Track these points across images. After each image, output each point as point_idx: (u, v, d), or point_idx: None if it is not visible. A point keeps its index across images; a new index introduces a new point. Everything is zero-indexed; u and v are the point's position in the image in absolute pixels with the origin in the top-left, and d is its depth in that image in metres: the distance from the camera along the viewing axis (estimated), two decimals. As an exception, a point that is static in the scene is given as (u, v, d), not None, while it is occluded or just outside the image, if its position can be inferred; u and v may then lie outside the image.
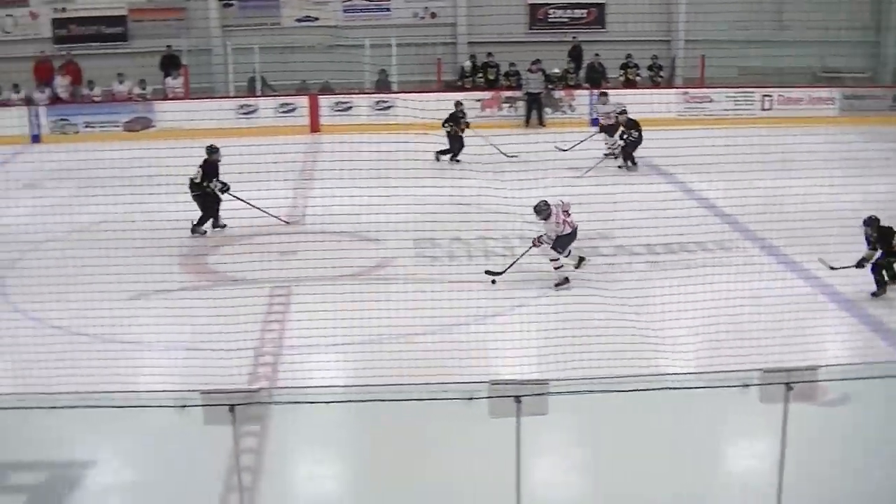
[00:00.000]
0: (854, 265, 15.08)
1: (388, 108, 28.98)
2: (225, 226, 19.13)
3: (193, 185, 18.69)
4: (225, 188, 18.72)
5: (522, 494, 8.35)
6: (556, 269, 16.14)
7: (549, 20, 33.36)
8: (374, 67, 31.06)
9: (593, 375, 11.11)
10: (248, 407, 7.49)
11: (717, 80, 31.03)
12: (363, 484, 10.47)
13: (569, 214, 16.16)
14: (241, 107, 30.00)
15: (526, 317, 14.03)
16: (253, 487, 10.00)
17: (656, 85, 31.65)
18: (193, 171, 18.37)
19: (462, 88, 31.00)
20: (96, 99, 30.58)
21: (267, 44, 31.19)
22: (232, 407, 7.31)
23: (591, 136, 24.63)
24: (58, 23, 32.20)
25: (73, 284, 14.00)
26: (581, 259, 16.32)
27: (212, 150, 18.98)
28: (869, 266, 15.12)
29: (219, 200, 18.95)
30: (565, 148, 23.00)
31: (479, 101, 30.09)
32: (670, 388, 9.76)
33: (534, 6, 33.34)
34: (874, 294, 15.09)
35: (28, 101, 30.36)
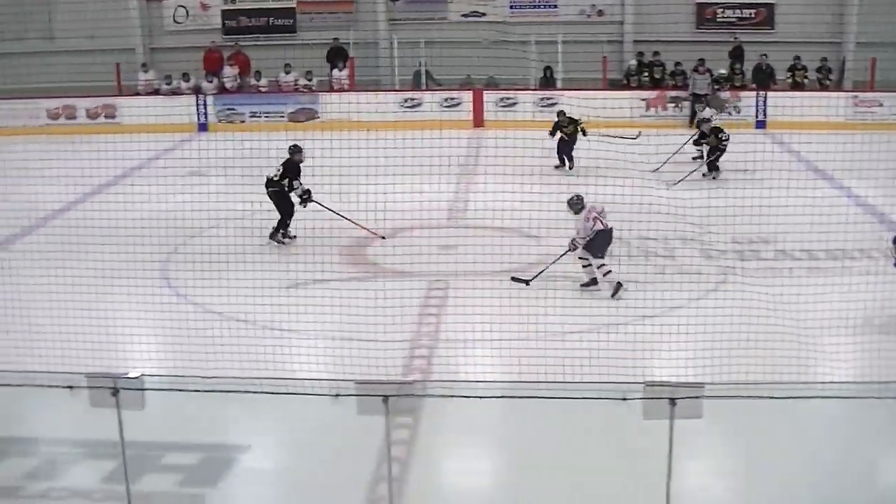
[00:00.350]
0: None
1: (553, 104, 28.71)
2: (295, 237, 18.19)
3: (270, 182, 17.94)
4: (306, 196, 17.99)
5: (672, 498, 8.08)
6: (604, 275, 15.28)
7: (718, 20, 32.67)
8: (539, 64, 30.90)
9: (750, 381, 10.79)
10: (401, 398, 7.39)
11: (889, 83, 29.92)
12: (512, 480, 10.32)
13: (603, 215, 15.44)
14: (406, 100, 30.16)
15: (683, 318, 13.67)
16: (401, 478, 9.94)
17: (824, 88, 30.67)
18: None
19: (627, 87, 30.66)
20: (263, 89, 31.08)
21: (433, 38, 31.30)
22: (386, 398, 7.22)
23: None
24: (227, 14, 32.85)
25: (234, 271, 14.15)
26: (618, 286, 15.19)
27: (294, 150, 18.05)
28: None
29: (293, 206, 18.13)
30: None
31: (643, 100, 29.70)
32: (829, 398, 9.39)
33: (701, 5, 32.71)
34: None
35: (196, 90, 31.03)
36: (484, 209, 16.96)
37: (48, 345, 12.02)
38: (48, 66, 30.89)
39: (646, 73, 31.00)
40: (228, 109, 30.71)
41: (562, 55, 30.75)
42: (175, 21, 33.22)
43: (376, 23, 32.30)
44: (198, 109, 30.50)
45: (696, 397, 7.60)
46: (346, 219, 17.88)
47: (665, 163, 22.14)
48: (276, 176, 17.89)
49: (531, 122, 26.92)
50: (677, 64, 30.52)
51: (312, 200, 17.96)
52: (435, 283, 15.53)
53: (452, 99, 30.13)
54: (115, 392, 6.60)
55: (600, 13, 32.76)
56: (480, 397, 8.87)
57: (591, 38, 31.76)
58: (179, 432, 11.18)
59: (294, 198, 17.98)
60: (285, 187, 17.88)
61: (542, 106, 29.29)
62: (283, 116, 30.07)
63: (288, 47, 31.99)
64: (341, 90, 30.60)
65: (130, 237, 15.48)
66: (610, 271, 15.31)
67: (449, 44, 30.76)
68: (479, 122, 29.74)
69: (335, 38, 31.69)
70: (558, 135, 23.84)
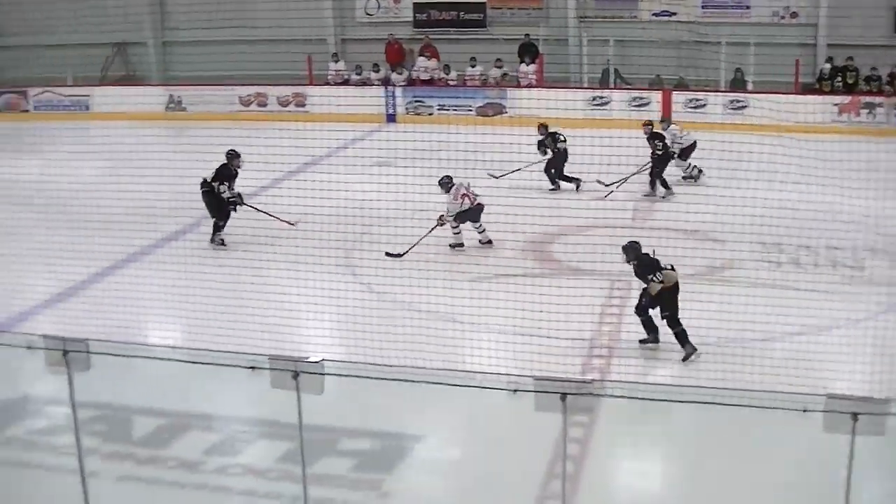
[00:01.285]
0: None
1: (743, 107, 28.12)
2: (222, 241, 18.11)
3: (204, 184, 18.18)
4: (235, 199, 18.14)
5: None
6: (482, 238, 17.66)
7: (917, 23, 31.38)
8: (729, 66, 30.27)
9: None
10: (579, 397, 7.29)
11: None
12: (685, 486, 10.21)
13: (470, 191, 17.57)
14: (594, 98, 29.93)
15: (868, 331, 13.20)
16: (575, 476, 9.86)
17: None
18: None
19: (819, 91, 29.74)
20: (451, 83, 31.24)
21: (622, 36, 30.99)
22: (563, 396, 7.13)
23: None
24: (418, 7, 33.08)
25: (417, 262, 14.23)
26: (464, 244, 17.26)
27: (232, 156, 18.30)
28: None
29: (226, 208, 18.18)
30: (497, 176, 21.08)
31: (836, 105, 28.78)
32: None
33: (899, 8, 31.48)
34: None
35: (386, 82, 31.39)
36: (668, 210, 16.71)
37: (234, 326, 12.30)
38: (243, 54, 31.73)
39: (839, 78, 30.05)
40: (417, 101, 30.99)
41: (753, 57, 30.05)
42: (367, 13, 33.65)
43: (566, 20, 32.11)
44: (386, 101, 30.85)
45: (881, 414, 7.30)
46: (270, 214, 18.02)
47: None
48: (209, 178, 18.14)
49: (720, 125, 26.39)
50: (872, 69, 29.50)
51: (243, 204, 18.19)
52: (617, 283, 15.34)
53: (641, 98, 29.76)
54: (296, 375, 6.67)
55: (794, 15, 31.84)
56: (658, 400, 8.73)
57: (784, 40, 30.97)
58: (356, 418, 11.33)
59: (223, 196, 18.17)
60: (216, 189, 18.07)
61: (732, 109, 28.66)
62: (470, 110, 30.18)
63: (478, 42, 32.09)
64: (529, 86, 30.54)
65: (317, 223, 15.70)
66: (485, 230, 17.66)
67: (638, 42, 30.43)
68: (667, 122, 29.30)
69: (526, 35, 31.65)
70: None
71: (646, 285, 13.00)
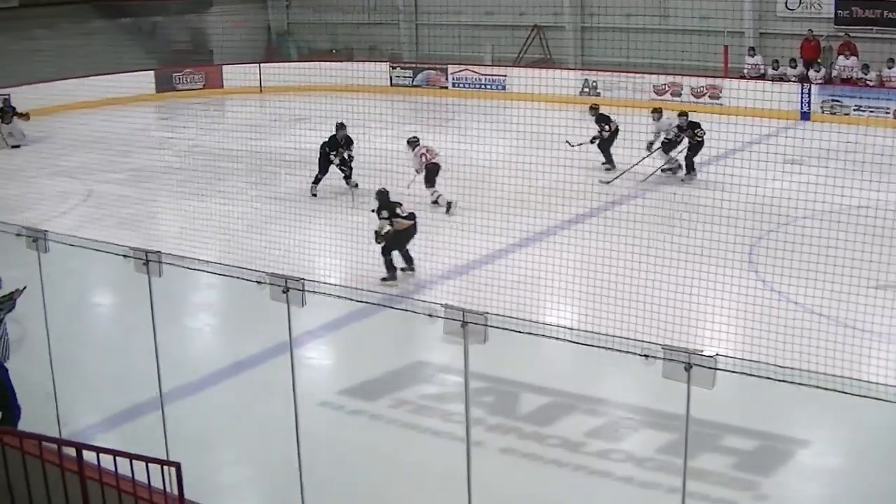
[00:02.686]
0: None
1: None
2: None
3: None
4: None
5: None
6: (435, 199, 19.93)
7: None
8: None
9: None
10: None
11: None
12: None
13: (431, 152, 20.35)
14: None
15: None
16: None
17: None
18: None
19: None
20: (869, 83, 29.95)
21: None
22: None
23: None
24: (841, 3, 31.82)
25: (821, 264, 13.82)
26: (449, 204, 19.48)
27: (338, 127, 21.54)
28: None
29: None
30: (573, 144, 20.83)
31: None
32: None
33: None
34: None
35: (802, 79, 30.54)
36: None
37: (629, 312, 12.42)
38: (658, 42, 31.69)
39: None
40: (833, 100, 29.92)
41: None
42: (787, 7, 32.78)
43: None
44: (801, 98, 30.00)
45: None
46: None
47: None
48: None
49: None
50: None
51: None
52: None
53: None
54: (689, 367, 6.69)
55: None
56: None
57: None
58: (742, 417, 11.21)
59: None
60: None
61: None
62: (887, 113, 28.82)
63: (896, 42, 30.57)
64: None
65: (722, 217, 15.56)
66: (441, 195, 19.76)
67: None
68: None
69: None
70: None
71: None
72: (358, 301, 9.53)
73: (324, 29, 40.17)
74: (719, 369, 6.65)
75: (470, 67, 35.82)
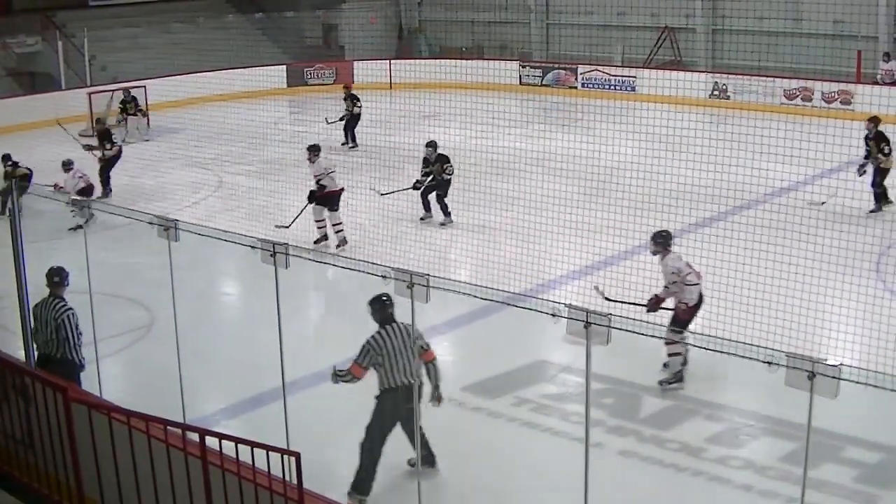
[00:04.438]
0: None
1: None
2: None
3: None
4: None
5: None
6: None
7: None
8: None
9: None
10: None
11: None
12: None
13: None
14: None
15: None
16: None
17: None
18: None
19: None
20: None
21: None
22: None
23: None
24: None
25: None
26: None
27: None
28: None
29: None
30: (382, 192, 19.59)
31: None
32: None
33: None
34: None
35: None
36: None
37: (752, 317, 12.28)
38: (790, 46, 31.20)
39: None
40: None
41: None
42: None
43: None
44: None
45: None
46: None
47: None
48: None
49: None
50: None
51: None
52: None
53: None
54: (812, 376, 6.60)
55: None
56: None
57: None
58: (865, 428, 11.02)
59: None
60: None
61: None
62: None
63: None
64: None
65: (850, 225, 15.31)
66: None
67: None
68: None
69: None
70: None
71: None
72: (482, 298, 9.58)
73: (455, 27, 40.37)
74: (843, 379, 6.55)
75: (599, 68, 35.67)
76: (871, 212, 18.92)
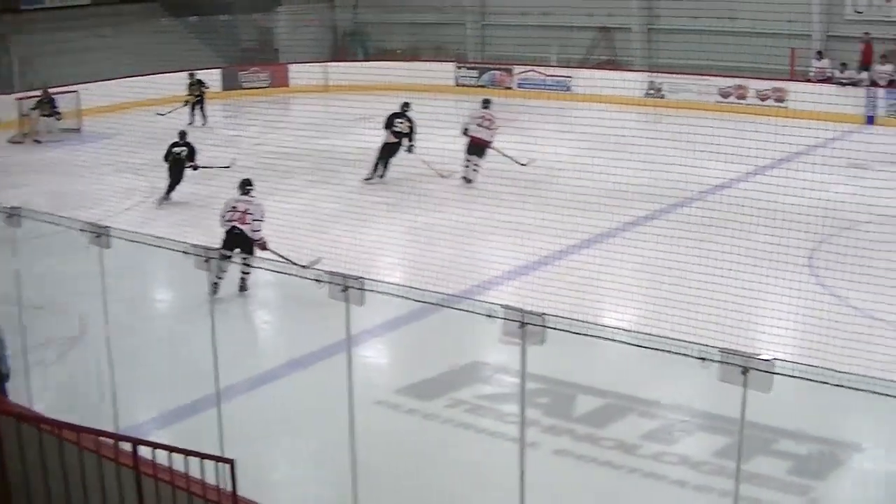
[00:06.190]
0: None
1: None
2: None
3: None
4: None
5: None
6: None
7: None
8: None
9: None
10: None
11: None
12: None
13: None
14: None
15: None
16: None
17: None
18: None
19: None
20: (941, 87, 29.57)
21: None
22: None
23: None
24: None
25: (882, 269, 13.69)
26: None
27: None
28: None
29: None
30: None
31: None
32: None
33: None
34: None
35: (872, 83, 30.21)
36: None
37: (687, 314, 12.36)
38: (725, 45, 31.49)
39: None
40: (898, 104, 29.61)
41: None
42: (856, 11, 32.41)
43: None
44: (868, 101, 29.68)
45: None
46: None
47: None
48: None
49: None
50: None
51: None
52: None
53: None
54: (745, 371, 6.64)
55: None
56: None
57: None
58: (798, 421, 11.14)
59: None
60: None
61: None
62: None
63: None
64: None
65: (783, 221, 15.44)
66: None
67: None
68: None
69: None
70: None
71: None
72: (417, 300, 9.57)
73: (391, 29, 40.34)
74: (776, 373, 6.61)
75: (535, 68, 35.80)
76: None
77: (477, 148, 22.47)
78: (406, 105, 23.19)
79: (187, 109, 31.18)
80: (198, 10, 39.53)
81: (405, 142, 22.75)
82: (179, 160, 22.08)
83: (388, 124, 23.03)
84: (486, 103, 23.50)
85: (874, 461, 10.90)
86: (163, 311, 16.49)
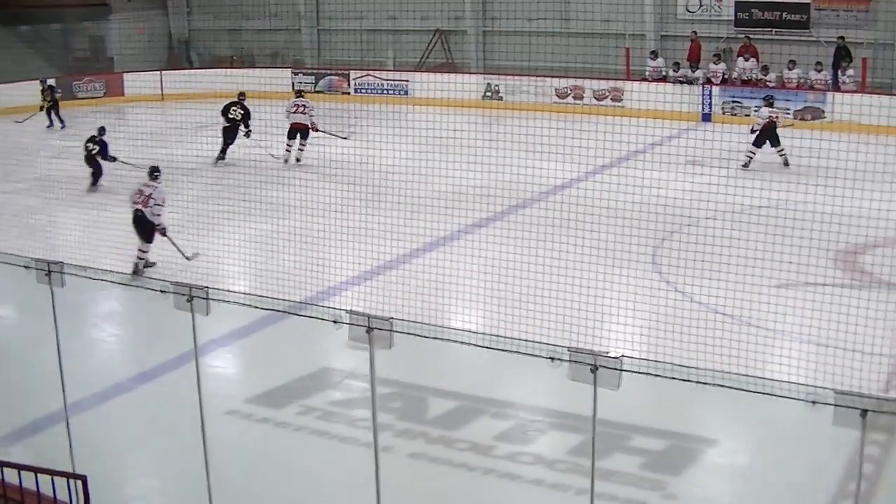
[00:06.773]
0: None
1: None
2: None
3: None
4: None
5: None
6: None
7: None
8: None
9: None
10: (880, 415, 7.03)
11: None
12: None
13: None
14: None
15: None
16: (867, 497, 9.53)
17: None
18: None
19: None
20: (769, 84, 30.49)
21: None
22: (864, 412, 6.89)
23: None
24: (741, 5, 32.43)
25: (724, 264, 14.01)
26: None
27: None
28: None
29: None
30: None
31: None
32: None
33: None
34: None
35: (707, 81, 31.03)
36: None
37: (534, 314, 12.46)
38: (560, 46, 31.96)
39: None
40: (734, 102, 30.45)
41: None
42: (688, 10, 33.27)
43: (894, 23, 30.65)
44: (703, 99, 30.46)
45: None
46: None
47: None
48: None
49: None
50: None
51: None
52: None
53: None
54: (595, 369, 6.71)
55: None
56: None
57: None
58: (650, 417, 11.30)
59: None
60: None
61: None
62: (788, 113, 29.32)
63: (798, 43, 31.07)
64: (847, 91, 29.40)
65: (625, 219, 15.70)
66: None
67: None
68: None
69: (840, 38, 30.45)
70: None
71: None
72: (263, 308, 9.44)
73: (225, 35, 39.91)
74: (625, 370, 6.69)
75: (372, 73, 35.83)
76: None
77: (297, 131, 25.15)
78: (242, 94, 25.50)
79: (44, 115, 31.62)
80: (27, 19, 38.49)
81: (242, 128, 25.08)
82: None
83: (224, 112, 25.32)
84: (300, 94, 27.07)
85: (726, 454, 11.11)
86: (5, 327, 15.97)
